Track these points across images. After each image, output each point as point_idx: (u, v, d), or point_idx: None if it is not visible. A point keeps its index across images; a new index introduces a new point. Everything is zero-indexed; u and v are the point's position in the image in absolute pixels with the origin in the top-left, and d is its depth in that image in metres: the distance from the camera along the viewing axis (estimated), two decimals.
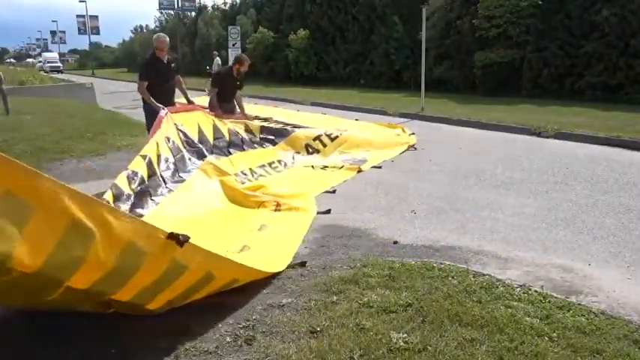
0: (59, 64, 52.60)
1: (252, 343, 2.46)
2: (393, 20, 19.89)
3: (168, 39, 6.06)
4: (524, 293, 2.95)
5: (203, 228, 4.01)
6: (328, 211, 4.69)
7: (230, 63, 20.67)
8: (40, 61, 56.81)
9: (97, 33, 57.09)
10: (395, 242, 3.97)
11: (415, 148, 7.93)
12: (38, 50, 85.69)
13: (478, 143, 8.46)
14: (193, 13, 39.52)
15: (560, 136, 8.87)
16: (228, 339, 2.51)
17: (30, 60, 72.44)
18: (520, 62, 15.49)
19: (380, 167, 6.71)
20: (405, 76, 19.97)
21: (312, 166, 6.64)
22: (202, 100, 18.89)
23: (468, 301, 2.81)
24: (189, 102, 6.64)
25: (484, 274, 3.23)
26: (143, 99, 5.94)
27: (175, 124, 5.75)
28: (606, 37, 13.40)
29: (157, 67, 5.89)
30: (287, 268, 3.36)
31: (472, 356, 2.30)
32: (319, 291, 3.00)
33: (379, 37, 20.89)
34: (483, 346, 2.38)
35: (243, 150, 6.51)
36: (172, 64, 6.08)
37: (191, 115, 6.17)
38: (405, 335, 2.46)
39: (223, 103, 6.95)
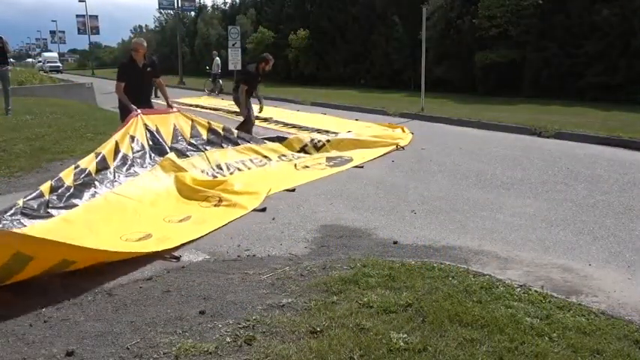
0: (59, 64, 52.53)
1: (252, 343, 2.45)
2: (393, 20, 19.90)
3: (145, 43, 6.41)
4: (524, 293, 2.95)
5: (120, 216, 4.48)
6: (264, 209, 4.79)
7: (230, 62, 20.67)
8: (39, 61, 56.77)
9: (97, 33, 57.11)
10: (395, 242, 3.96)
11: (403, 148, 7.91)
12: (38, 50, 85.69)
13: (478, 143, 8.46)
14: (193, 13, 39.54)
15: (560, 136, 8.87)
16: (228, 339, 2.50)
17: (29, 60, 72.44)
18: (520, 62, 15.50)
19: (362, 167, 6.70)
20: (405, 76, 19.97)
21: (295, 165, 6.74)
22: (203, 100, 18.79)
23: (468, 301, 2.80)
24: (169, 105, 6.91)
25: (484, 274, 3.22)
26: (121, 107, 6.41)
27: (145, 124, 6.01)
28: (606, 37, 13.41)
29: (133, 70, 6.31)
30: (160, 258, 3.62)
31: (472, 356, 2.30)
32: (319, 291, 3.00)
33: (379, 37, 20.90)
34: (483, 346, 2.38)
35: (222, 148, 6.72)
36: (148, 68, 6.44)
37: (167, 117, 6.47)
38: (405, 335, 2.45)
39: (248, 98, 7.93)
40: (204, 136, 6.70)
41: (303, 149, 7.54)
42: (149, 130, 6.01)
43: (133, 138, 5.73)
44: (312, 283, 3.12)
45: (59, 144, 7.70)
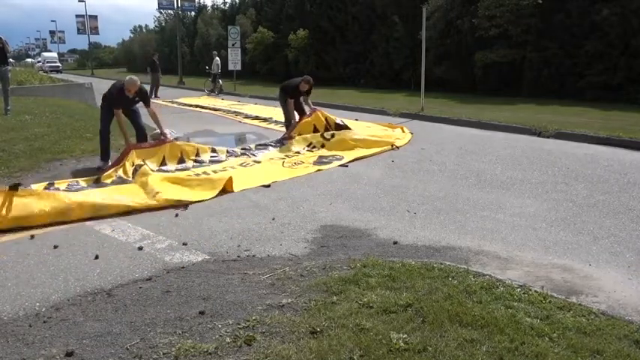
0: (58, 64, 52.38)
1: (252, 344, 2.45)
2: (393, 20, 19.88)
3: (138, 83, 6.82)
4: (524, 293, 2.94)
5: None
6: (186, 207, 5.00)
7: (230, 62, 20.69)
8: (39, 61, 56.65)
9: (96, 33, 57.11)
10: (395, 242, 3.96)
11: (398, 148, 7.91)
12: (37, 50, 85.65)
13: (478, 143, 8.46)
14: (193, 13, 39.52)
15: (560, 136, 8.87)
16: (228, 339, 2.50)
17: (29, 60, 72.38)
18: (520, 62, 15.49)
19: (347, 166, 6.78)
20: (405, 76, 19.96)
21: (283, 163, 6.92)
22: (203, 100, 18.77)
23: (468, 302, 2.80)
24: (162, 134, 7.11)
25: (484, 275, 3.22)
26: (102, 105, 6.97)
27: (133, 162, 6.30)
28: (606, 37, 13.40)
29: (124, 100, 6.78)
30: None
31: (472, 357, 2.30)
32: (319, 291, 2.99)
33: (379, 37, 20.88)
34: (483, 346, 2.38)
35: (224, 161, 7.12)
36: (136, 98, 6.89)
37: (157, 149, 6.75)
38: (405, 336, 2.45)
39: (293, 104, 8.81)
40: (190, 165, 6.89)
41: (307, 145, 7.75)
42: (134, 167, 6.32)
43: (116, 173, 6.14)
44: (312, 283, 3.11)
45: (58, 144, 7.69)
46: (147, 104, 7.01)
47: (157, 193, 5.23)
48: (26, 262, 3.62)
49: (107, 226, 4.45)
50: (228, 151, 7.38)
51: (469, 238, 4.08)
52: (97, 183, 5.80)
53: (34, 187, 5.49)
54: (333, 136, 7.97)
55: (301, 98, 8.96)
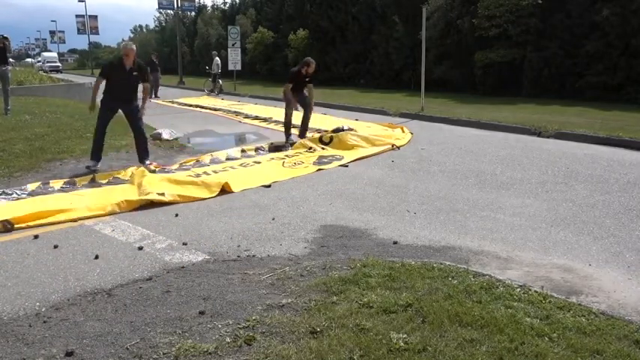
0: (58, 63, 52.32)
1: (252, 344, 2.45)
2: (393, 20, 19.88)
3: (134, 47, 6.64)
4: (524, 293, 2.95)
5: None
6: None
7: (230, 62, 20.65)
8: (39, 61, 56.64)
9: (96, 33, 57.07)
10: (395, 242, 3.96)
11: (399, 148, 7.93)
12: (37, 50, 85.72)
13: (478, 143, 8.46)
14: (193, 13, 39.52)
15: (560, 136, 8.87)
16: (228, 339, 2.50)
17: (29, 60, 72.45)
18: (520, 62, 15.49)
19: (347, 166, 6.80)
20: (405, 76, 19.96)
21: (283, 163, 6.96)
22: (203, 100, 18.74)
23: (468, 302, 2.80)
24: (143, 107, 6.90)
25: (484, 275, 3.22)
26: (102, 101, 6.62)
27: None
28: (607, 37, 13.41)
29: (118, 72, 6.52)
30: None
31: (472, 356, 2.30)
32: (319, 291, 2.99)
33: (379, 37, 20.88)
34: (483, 346, 2.38)
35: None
36: (134, 72, 6.58)
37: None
38: (405, 335, 2.45)
39: (295, 93, 8.56)
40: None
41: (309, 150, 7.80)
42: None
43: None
44: (312, 283, 3.11)
45: (59, 144, 7.69)
46: (145, 80, 6.75)
47: (150, 192, 5.20)
48: (26, 262, 3.62)
49: (107, 226, 4.45)
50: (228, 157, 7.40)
51: (469, 238, 4.08)
52: (92, 182, 5.79)
53: (29, 186, 5.53)
54: (331, 139, 7.96)
55: (305, 91, 8.78)
